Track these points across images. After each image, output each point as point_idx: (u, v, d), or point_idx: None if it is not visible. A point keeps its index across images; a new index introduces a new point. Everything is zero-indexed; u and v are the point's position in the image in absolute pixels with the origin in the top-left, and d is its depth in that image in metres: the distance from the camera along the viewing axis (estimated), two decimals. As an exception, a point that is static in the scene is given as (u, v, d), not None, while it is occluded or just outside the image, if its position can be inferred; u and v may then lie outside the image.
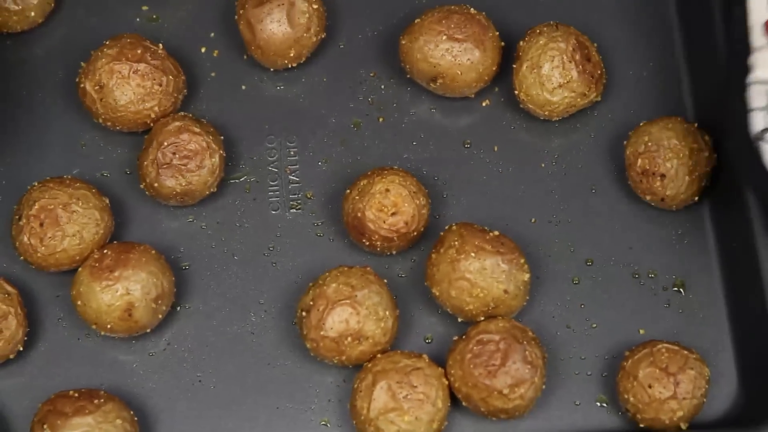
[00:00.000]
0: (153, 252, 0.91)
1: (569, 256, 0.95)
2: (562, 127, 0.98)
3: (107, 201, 0.93)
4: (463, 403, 0.89)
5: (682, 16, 1.00)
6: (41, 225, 0.90)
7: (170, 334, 0.93)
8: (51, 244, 0.90)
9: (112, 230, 0.93)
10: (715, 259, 0.95)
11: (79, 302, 0.90)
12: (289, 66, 0.98)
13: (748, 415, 0.91)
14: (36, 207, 0.91)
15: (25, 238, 0.91)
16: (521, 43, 0.96)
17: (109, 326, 0.89)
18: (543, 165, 0.97)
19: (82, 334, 0.92)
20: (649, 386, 0.88)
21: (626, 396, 0.89)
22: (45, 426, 0.86)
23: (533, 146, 0.98)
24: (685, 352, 0.89)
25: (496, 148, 0.98)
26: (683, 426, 0.88)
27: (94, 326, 0.90)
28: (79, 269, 0.90)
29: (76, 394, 0.87)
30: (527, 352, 0.88)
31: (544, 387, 0.90)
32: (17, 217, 0.91)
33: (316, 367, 0.92)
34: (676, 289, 0.94)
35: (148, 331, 0.91)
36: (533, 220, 0.96)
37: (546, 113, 0.95)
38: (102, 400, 0.87)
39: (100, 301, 0.89)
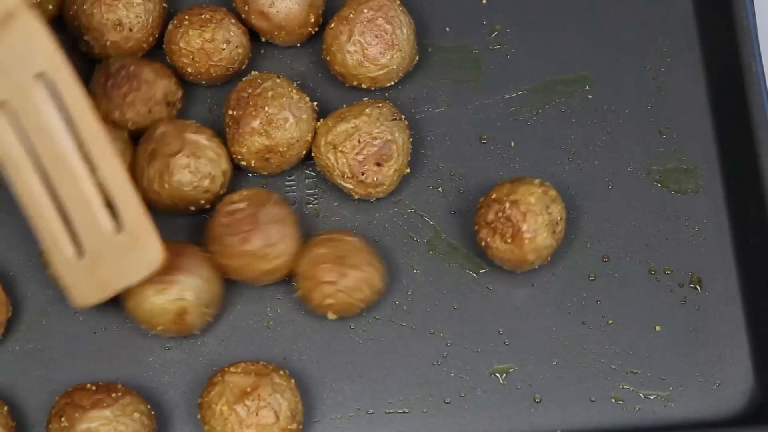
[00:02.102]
0: (204, 254, 0.91)
1: (585, 252, 0.95)
2: (578, 123, 0.98)
3: None
4: (235, 278, 0.91)
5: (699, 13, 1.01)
6: None
7: (186, 328, 0.93)
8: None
9: None
10: (732, 257, 0.95)
11: (129, 303, 0.90)
12: (312, 32, 0.98)
13: (764, 412, 0.91)
14: None
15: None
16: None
17: (160, 328, 0.90)
18: (559, 162, 0.97)
19: (98, 328, 0.93)
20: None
21: (488, 241, 0.91)
22: (63, 419, 0.86)
23: (550, 142, 0.98)
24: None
25: (512, 144, 0.98)
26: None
27: (143, 326, 0.90)
28: None
29: (94, 388, 0.88)
30: (276, 212, 0.89)
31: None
32: None
33: (330, 363, 0.92)
34: (692, 286, 0.94)
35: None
36: (549, 216, 0.96)
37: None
38: (120, 394, 0.87)
39: (152, 304, 0.89)
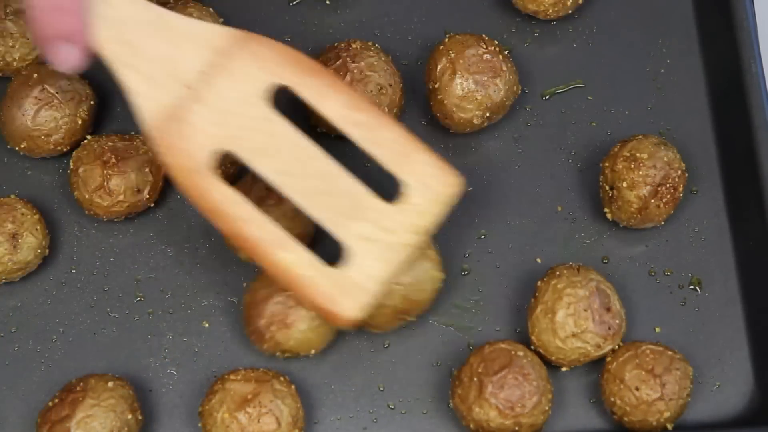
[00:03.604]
0: None
1: (585, 253, 0.95)
2: (578, 123, 0.98)
3: None
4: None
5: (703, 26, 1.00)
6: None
7: (186, 329, 0.93)
8: None
9: None
10: (732, 258, 0.95)
11: None
12: None
13: (764, 414, 0.91)
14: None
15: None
16: (539, 282, 0.91)
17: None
18: (559, 163, 0.97)
19: (98, 328, 0.93)
20: (636, 388, 0.88)
21: (612, 399, 0.89)
22: (61, 412, 0.86)
23: (550, 143, 0.98)
24: (670, 352, 0.89)
25: (514, 143, 0.98)
26: (669, 426, 0.89)
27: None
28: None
29: (82, 383, 0.88)
30: None
31: None
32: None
33: (330, 364, 0.92)
34: (692, 287, 0.95)
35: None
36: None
37: (555, 359, 0.91)
38: (114, 390, 0.87)
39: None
